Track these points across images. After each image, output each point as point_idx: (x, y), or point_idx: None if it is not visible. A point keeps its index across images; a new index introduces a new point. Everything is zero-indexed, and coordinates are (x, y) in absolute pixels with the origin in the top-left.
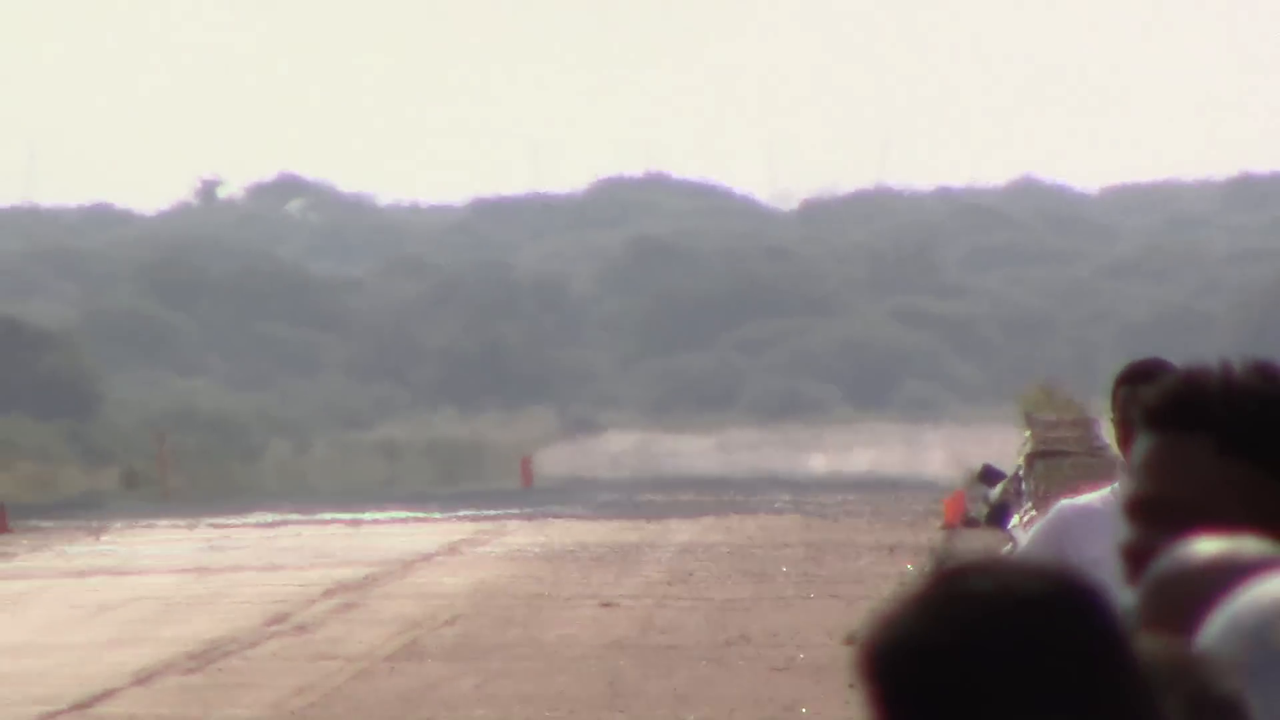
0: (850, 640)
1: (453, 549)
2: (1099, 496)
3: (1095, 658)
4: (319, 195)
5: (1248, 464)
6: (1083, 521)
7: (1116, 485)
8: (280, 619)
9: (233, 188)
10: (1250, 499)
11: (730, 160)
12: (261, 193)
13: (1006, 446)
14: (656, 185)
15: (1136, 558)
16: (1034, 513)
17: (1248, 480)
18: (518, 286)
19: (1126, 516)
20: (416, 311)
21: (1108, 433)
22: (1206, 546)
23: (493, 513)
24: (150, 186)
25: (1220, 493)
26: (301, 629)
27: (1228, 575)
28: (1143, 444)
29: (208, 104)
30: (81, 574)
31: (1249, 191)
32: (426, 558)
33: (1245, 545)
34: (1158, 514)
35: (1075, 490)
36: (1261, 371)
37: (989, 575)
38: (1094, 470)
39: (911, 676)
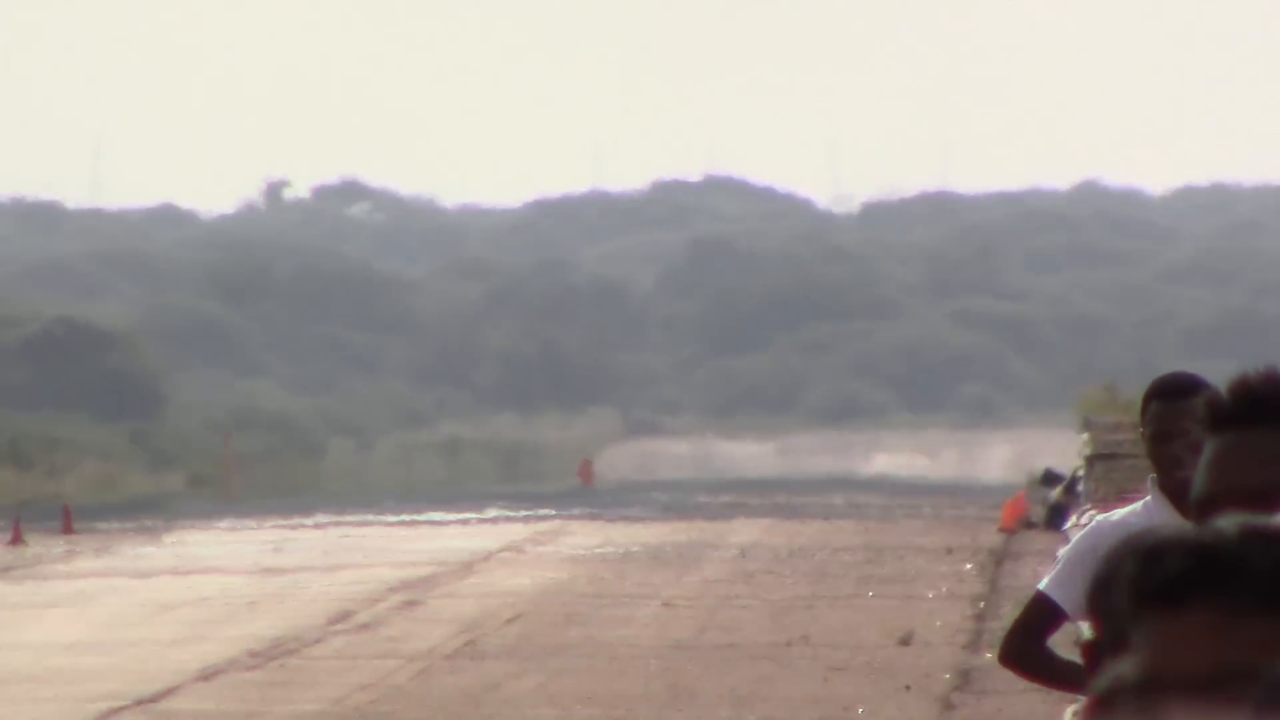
0: (905, 641)
1: (514, 549)
2: (1132, 511)
3: None
4: (382, 197)
5: None
6: (1117, 536)
7: (1149, 500)
8: (343, 617)
9: (298, 190)
10: None
11: (791, 163)
12: (325, 195)
13: (1066, 449)
14: (716, 187)
15: None
16: (1091, 514)
17: None
18: (577, 288)
19: (1201, 512)
20: (477, 312)
21: (1138, 445)
22: None
23: (553, 513)
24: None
25: None
26: (364, 627)
27: None
28: (1223, 442)
29: (273, 107)
30: (145, 574)
31: None
32: (488, 557)
33: None
34: (1250, 506)
35: (1134, 494)
36: None
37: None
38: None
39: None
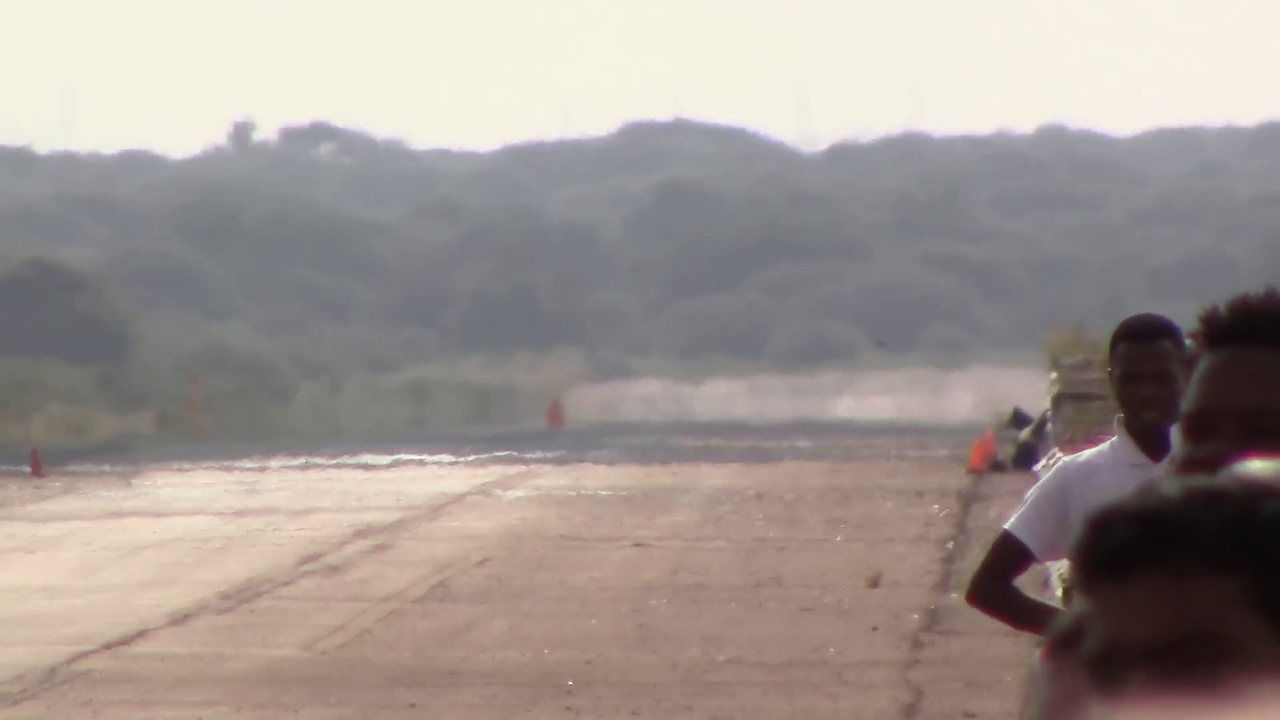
0: (874, 583)
1: (483, 491)
2: (1099, 452)
3: None
4: (351, 140)
5: None
6: (1084, 478)
7: (1116, 440)
8: (312, 559)
9: (265, 132)
10: None
11: (758, 104)
12: (294, 137)
13: (1035, 390)
14: (684, 129)
15: (1206, 469)
16: (1059, 455)
17: None
18: (547, 231)
19: (1193, 430)
20: (447, 256)
21: (1106, 385)
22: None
23: (523, 455)
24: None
25: None
26: (333, 570)
27: None
28: (1217, 358)
29: (240, 49)
30: (115, 516)
31: (1275, 137)
32: (457, 500)
33: None
34: (1242, 423)
35: (1102, 434)
36: None
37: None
38: None
39: None
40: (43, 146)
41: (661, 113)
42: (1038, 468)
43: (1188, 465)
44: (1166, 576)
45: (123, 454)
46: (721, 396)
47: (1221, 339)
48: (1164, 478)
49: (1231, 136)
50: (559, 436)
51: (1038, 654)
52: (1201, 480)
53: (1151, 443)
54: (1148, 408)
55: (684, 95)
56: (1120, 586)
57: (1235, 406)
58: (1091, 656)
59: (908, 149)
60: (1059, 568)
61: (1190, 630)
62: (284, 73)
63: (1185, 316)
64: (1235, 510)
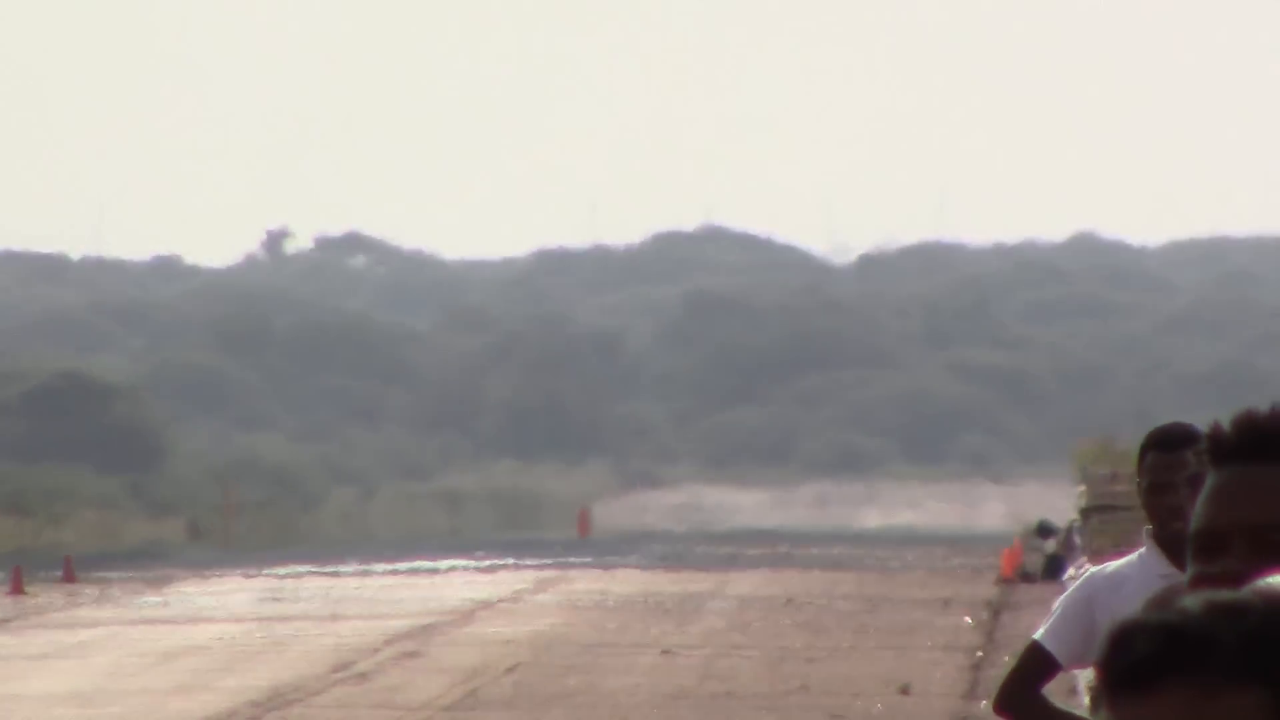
0: (904, 691)
1: (513, 598)
2: (1127, 563)
3: None
4: (384, 250)
5: None
6: (1112, 588)
7: (1144, 551)
8: (343, 667)
9: (300, 241)
10: None
11: (787, 213)
12: (327, 247)
13: (1063, 500)
14: (713, 238)
15: (1219, 586)
16: (1087, 565)
17: None
18: (577, 339)
19: (1204, 547)
20: (478, 364)
21: (1134, 496)
22: None
23: (552, 562)
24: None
25: None
26: (364, 678)
27: None
28: (1225, 476)
29: (273, 161)
30: (146, 623)
31: None
32: (487, 606)
33: None
34: (1252, 539)
35: (1130, 545)
36: None
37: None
38: None
39: None
40: (75, 253)
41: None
42: (1066, 577)
43: (1200, 582)
44: (1187, 691)
45: (154, 560)
46: (749, 505)
47: (1228, 456)
48: (1183, 592)
49: (1260, 246)
50: (588, 545)
51: None
52: (1222, 594)
53: (1180, 553)
54: (1175, 517)
55: (713, 204)
56: (1143, 701)
57: (1245, 522)
58: None
59: (937, 257)
60: (1086, 676)
61: None
62: (317, 183)
63: None
64: (1255, 625)
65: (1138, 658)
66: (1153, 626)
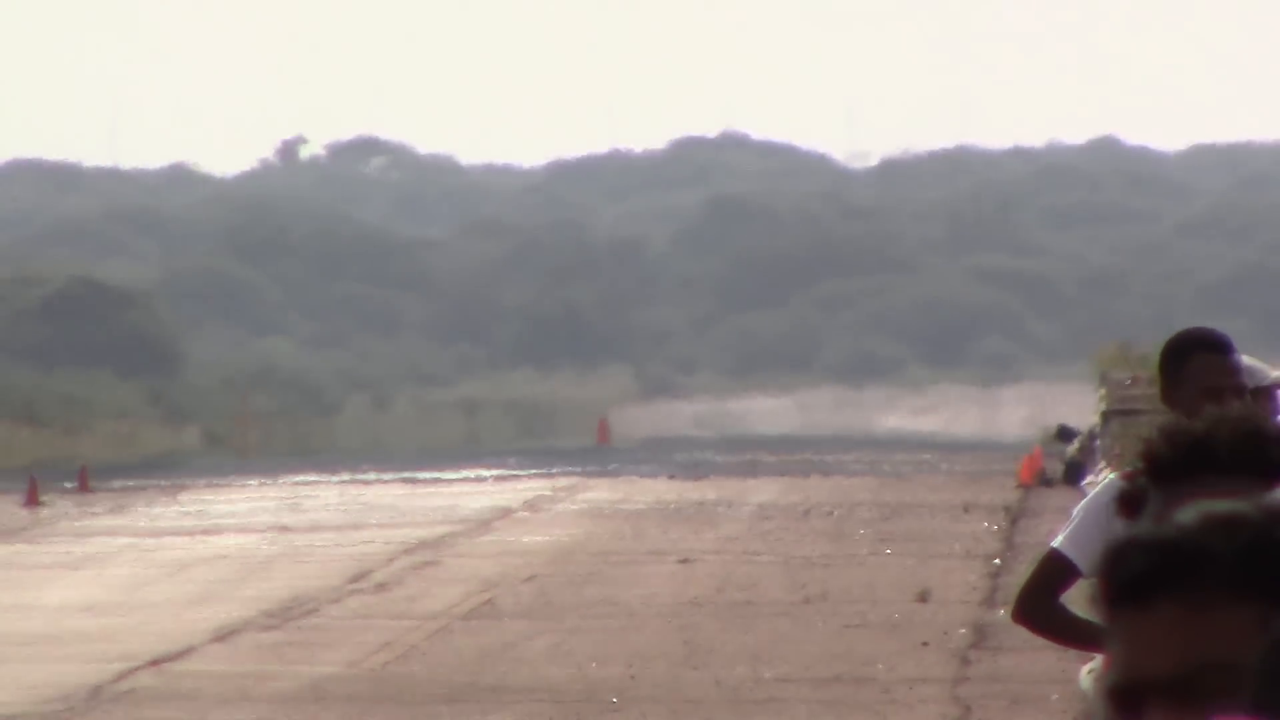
0: (922, 598)
1: (531, 506)
2: None
3: None
4: (399, 155)
5: None
6: None
7: None
8: (360, 577)
9: (314, 147)
10: None
11: (808, 120)
12: (341, 153)
13: (1083, 405)
14: (733, 144)
15: None
16: (1107, 470)
17: None
18: (595, 247)
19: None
20: (495, 271)
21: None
22: None
23: (571, 470)
24: (231, 148)
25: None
26: (381, 587)
27: None
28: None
29: (288, 65)
30: (162, 533)
31: None
32: (505, 515)
33: None
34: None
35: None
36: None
37: None
38: None
39: None
40: (89, 162)
41: (711, 128)
42: (1085, 483)
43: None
44: (1183, 607)
45: (170, 470)
46: (769, 412)
47: (1169, 472)
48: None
49: None
50: (607, 453)
51: (1085, 672)
52: (1219, 507)
53: None
54: None
55: (733, 110)
56: (1138, 617)
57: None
58: (1112, 688)
59: (957, 163)
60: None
61: (1207, 661)
62: (332, 88)
63: (1235, 330)
64: (1250, 538)
65: (1133, 573)
66: (1148, 542)
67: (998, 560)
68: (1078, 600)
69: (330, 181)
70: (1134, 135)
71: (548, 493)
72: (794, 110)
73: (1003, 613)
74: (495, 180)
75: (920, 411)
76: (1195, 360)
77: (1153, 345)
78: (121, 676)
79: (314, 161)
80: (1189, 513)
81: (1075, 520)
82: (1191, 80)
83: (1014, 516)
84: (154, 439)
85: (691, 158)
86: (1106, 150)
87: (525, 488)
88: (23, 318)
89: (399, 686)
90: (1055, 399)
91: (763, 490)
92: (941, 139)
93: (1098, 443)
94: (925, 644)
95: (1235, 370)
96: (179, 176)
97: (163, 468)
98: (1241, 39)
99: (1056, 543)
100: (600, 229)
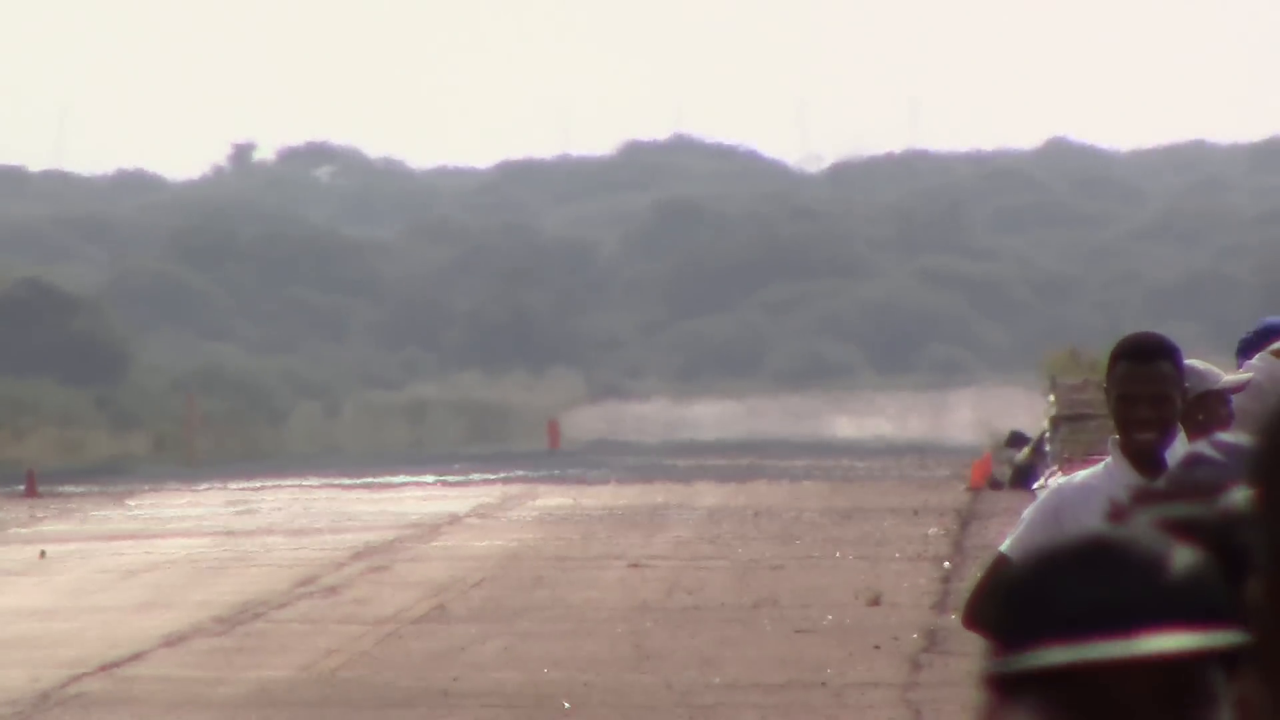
0: (874, 602)
1: (481, 512)
2: (1093, 473)
3: None
4: (348, 160)
5: None
6: (1080, 499)
7: (1110, 461)
8: (309, 581)
9: (264, 153)
10: None
11: (759, 123)
12: (291, 158)
13: (1033, 410)
14: (683, 147)
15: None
16: (1058, 473)
17: None
18: (545, 250)
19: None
20: (444, 275)
21: (1104, 406)
22: None
23: (520, 475)
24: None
25: None
26: (330, 591)
27: None
28: None
29: (238, 70)
30: (109, 538)
31: (1277, 154)
32: (454, 520)
33: None
34: None
35: (1100, 454)
36: None
37: None
38: None
39: None
40: (36, 166)
41: (661, 131)
42: (1035, 486)
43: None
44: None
45: (118, 475)
46: (719, 416)
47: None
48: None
49: (1233, 153)
50: (556, 457)
51: None
52: (1177, 510)
53: (1147, 464)
54: (1144, 429)
55: (684, 113)
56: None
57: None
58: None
59: (908, 166)
60: None
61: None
62: (282, 93)
63: (1184, 336)
64: (1209, 542)
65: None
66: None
67: (948, 564)
68: None
69: (280, 185)
70: (1085, 136)
71: (497, 497)
72: (744, 113)
73: (954, 616)
74: (445, 182)
75: (870, 415)
76: (1118, 368)
77: (1102, 350)
78: (70, 681)
79: (264, 166)
80: (1145, 517)
81: (1023, 524)
82: (1142, 81)
83: (964, 520)
84: (102, 444)
85: (641, 160)
86: (1057, 153)
87: (476, 492)
88: None
89: (349, 691)
90: (1005, 403)
91: (712, 494)
92: (892, 142)
93: (1047, 447)
94: (876, 648)
95: (1153, 379)
96: (128, 182)
97: (111, 473)
98: (1193, 39)
99: (1005, 546)
100: (550, 232)
